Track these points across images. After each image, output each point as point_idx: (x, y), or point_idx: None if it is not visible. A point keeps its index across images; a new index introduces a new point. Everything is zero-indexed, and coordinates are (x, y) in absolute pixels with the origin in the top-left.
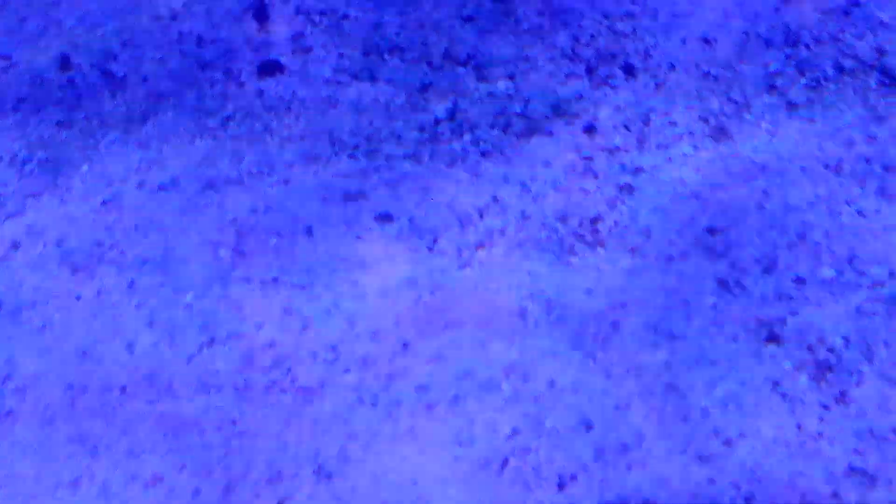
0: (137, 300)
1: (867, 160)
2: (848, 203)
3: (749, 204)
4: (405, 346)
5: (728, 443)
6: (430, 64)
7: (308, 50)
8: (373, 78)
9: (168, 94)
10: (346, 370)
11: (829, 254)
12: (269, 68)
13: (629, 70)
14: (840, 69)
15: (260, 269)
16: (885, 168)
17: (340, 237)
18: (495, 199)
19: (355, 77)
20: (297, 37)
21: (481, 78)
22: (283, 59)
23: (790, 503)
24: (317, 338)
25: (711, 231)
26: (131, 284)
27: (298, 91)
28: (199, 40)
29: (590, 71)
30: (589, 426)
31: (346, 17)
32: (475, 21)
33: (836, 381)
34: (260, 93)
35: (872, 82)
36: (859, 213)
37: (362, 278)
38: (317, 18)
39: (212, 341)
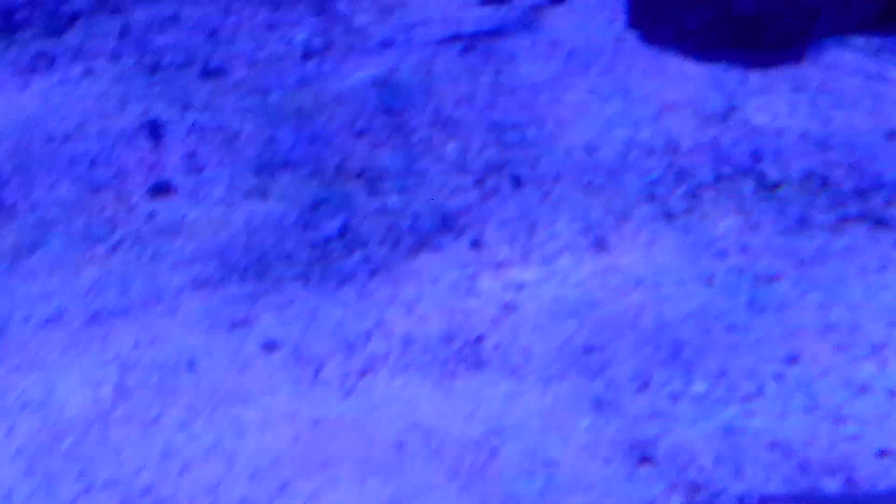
0: (16, 447)
1: (739, 271)
2: (719, 318)
3: (625, 320)
4: (283, 486)
5: None
6: (322, 179)
7: (201, 169)
8: (265, 195)
9: (58, 221)
10: None
11: (701, 369)
12: (161, 189)
13: (516, 181)
14: (717, 176)
15: (141, 409)
16: (756, 279)
17: (224, 369)
18: (381, 322)
19: (248, 195)
20: (190, 156)
21: (373, 192)
22: (175, 180)
23: None
24: (196, 480)
25: (588, 350)
26: (10, 431)
27: (190, 213)
28: (92, 163)
29: (478, 183)
30: None
31: (239, 133)
32: (368, 134)
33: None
34: (151, 216)
35: (748, 188)
36: (730, 327)
37: (244, 413)
38: (210, 136)
39: (89, 489)
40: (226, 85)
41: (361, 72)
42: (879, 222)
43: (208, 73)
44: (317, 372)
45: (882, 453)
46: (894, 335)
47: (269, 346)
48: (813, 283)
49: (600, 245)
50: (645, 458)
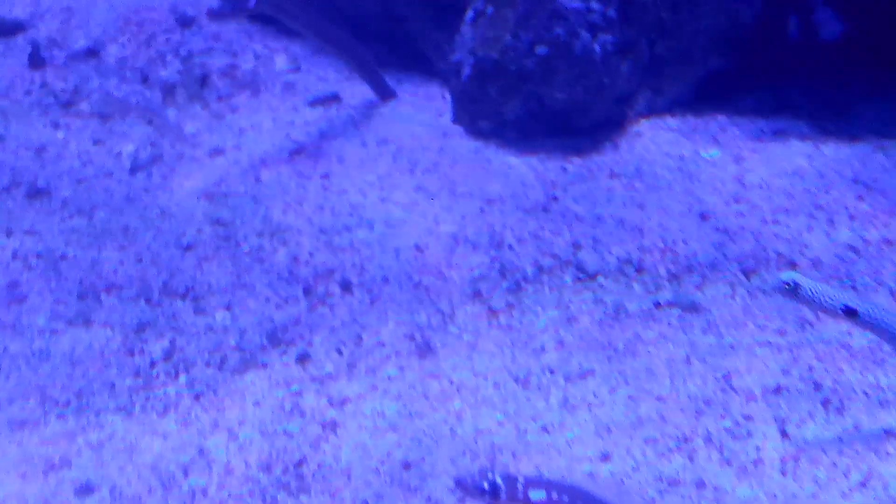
0: None
1: (552, 371)
2: (534, 419)
3: (444, 430)
4: None
5: None
6: (148, 300)
7: (22, 300)
8: (88, 322)
9: None
10: None
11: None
12: None
13: (346, 286)
14: (539, 268)
15: None
16: (567, 378)
17: None
18: (202, 452)
19: (71, 323)
20: (12, 286)
21: (199, 310)
22: None
23: None
24: None
25: (407, 466)
26: None
27: (10, 346)
28: None
29: (307, 291)
30: None
31: (63, 257)
32: (194, 249)
33: None
34: None
35: (568, 279)
36: (544, 428)
37: None
38: (33, 262)
39: None
40: (51, 206)
41: (190, 182)
42: (691, 307)
43: (34, 193)
44: None
45: None
46: (700, 426)
47: (86, 489)
48: (623, 377)
49: (425, 349)
50: None
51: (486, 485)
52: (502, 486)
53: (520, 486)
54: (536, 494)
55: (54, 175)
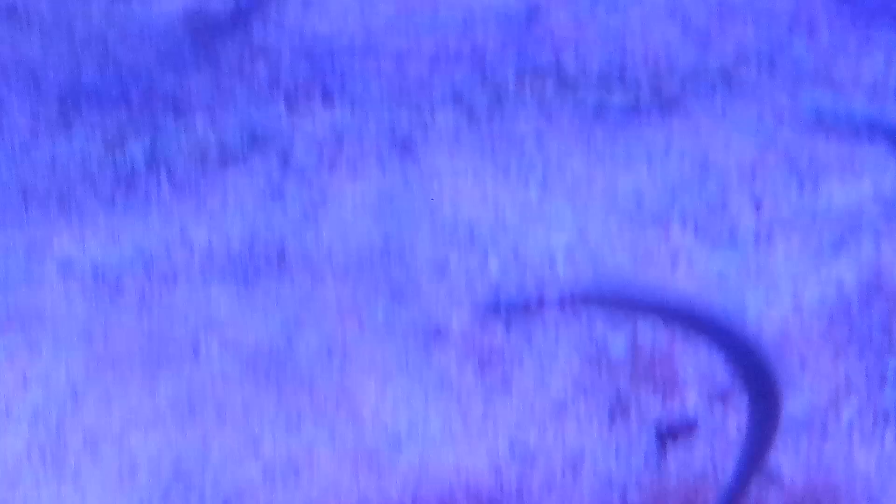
0: None
1: (531, 162)
2: (512, 204)
3: (423, 215)
4: (75, 395)
5: (396, 441)
6: (129, 109)
7: (1, 104)
8: (70, 130)
9: None
10: (20, 424)
11: (496, 251)
12: None
13: (327, 95)
14: (521, 76)
15: None
16: (545, 167)
17: (19, 291)
18: (183, 235)
19: (52, 131)
20: None
21: (180, 115)
22: None
23: (455, 492)
24: None
25: (386, 244)
26: None
27: None
28: None
29: (287, 99)
30: (258, 446)
31: (43, 68)
32: (176, 63)
33: (500, 368)
34: None
35: (550, 86)
36: (522, 212)
37: (37, 334)
38: (12, 72)
39: None
40: (30, 20)
41: (170, 4)
42: (671, 104)
43: (11, 9)
44: (115, 288)
45: None
46: (676, 204)
47: (67, 265)
48: (602, 164)
49: (406, 150)
50: (438, 336)
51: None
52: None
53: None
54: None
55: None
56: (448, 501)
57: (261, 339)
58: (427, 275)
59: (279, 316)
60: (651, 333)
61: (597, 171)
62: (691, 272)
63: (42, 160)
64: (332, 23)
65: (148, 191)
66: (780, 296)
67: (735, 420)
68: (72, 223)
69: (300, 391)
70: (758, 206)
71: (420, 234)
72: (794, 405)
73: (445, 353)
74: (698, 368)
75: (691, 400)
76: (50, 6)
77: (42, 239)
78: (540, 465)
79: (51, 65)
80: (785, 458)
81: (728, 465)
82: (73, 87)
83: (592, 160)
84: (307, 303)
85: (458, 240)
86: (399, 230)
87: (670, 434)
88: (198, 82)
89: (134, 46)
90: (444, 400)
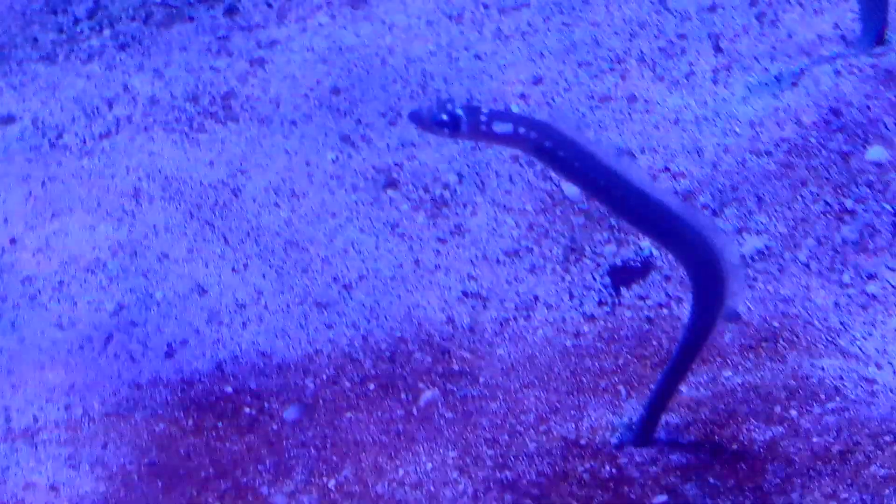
0: None
1: (485, 6)
2: (466, 48)
3: (375, 61)
4: (13, 241)
5: (347, 287)
6: None
7: None
8: None
9: None
10: None
11: (448, 98)
12: None
13: None
14: None
15: None
16: (501, 11)
17: None
18: (126, 88)
19: None
20: None
21: None
22: None
23: (406, 335)
24: None
25: (336, 91)
26: None
27: None
28: None
29: None
30: (202, 291)
31: None
32: None
33: (452, 215)
34: None
35: None
36: (476, 56)
37: None
38: None
39: None
40: None
41: None
42: None
43: None
44: (56, 138)
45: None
46: (633, 47)
47: (6, 119)
48: (558, 6)
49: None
50: (390, 183)
51: (444, 116)
52: (463, 118)
53: (483, 118)
54: (502, 127)
55: None
56: (399, 345)
57: (205, 185)
58: (378, 122)
59: (224, 163)
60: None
61: (553, 16)
62: (647, 114)
63: None
64: None
65: (91, 49)
66: (738, 135)
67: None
68: (11, 80)
69: (247, 239)
70: (716, 46)
71: (371, 82)
72: (751, 244)
73: (396, 200)
74: None
75: (645, 243)
76: None
77: None
78: (492, 308)
79: None
80: (742, 295)
81: (682, 306)
82: None
83: (550, 4)
84: (254, 150)
85: (411, 88)
86: (349, 78)
87: (625, 276)
88: None
89: None
90: (396, 246)
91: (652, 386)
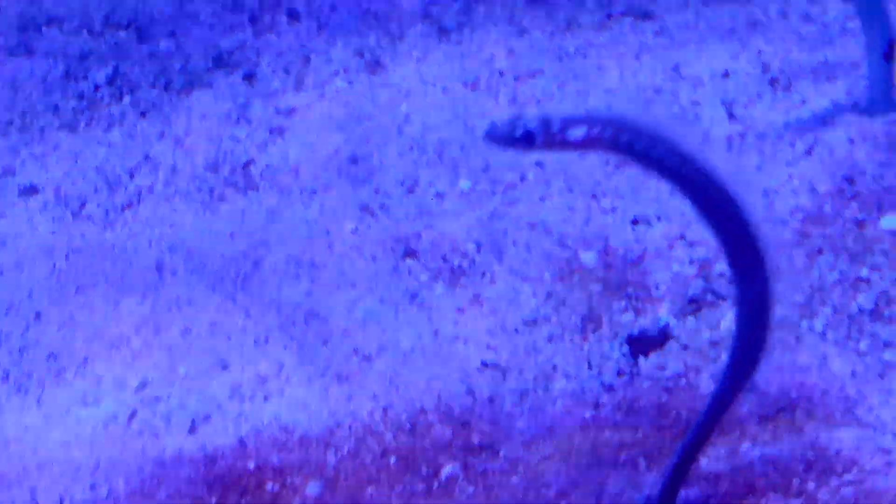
0: None
1: (501, 74)
2: (482, 116)
3: (392, 129)
4: (38, 316)
5: (367, 358)
6: (90, 31)
7: None
8: (30, 52)
9: None
10: None
11: (465, 167)
12: None
13: (293, 15)
14: None
15: None
16: (516, 79)
17: None
18: (148, 157)
19: (11, 53)
20: None
21: (143, 39)
22: None
23: (426, 406)
24: None
25: (354, 160)
26: None
27: None
28: None
29: (253, 20)
30: (225, 365)
31: None
32: None
33: (470, 284)
34: None
35: (520, 0)
36: (492, 125)
37: (1, 256)
38: None
39: None
40: None
41: None
42: (643, 16)
43: None
44: (79, 209)
45: (636, 221)
46: (648, 114)
47: (30, 189)
48: (573, 75)
49: (374, 65)
50: (409, 253)
51: (519, 132)
52: (537, 130)
53: (556, 128)
54: (576, 133)
55: None
56: (419, 417)
57: (227, 257)
58: (396, 191)
59: (245, 234)
60: (622, 245)
61: (568, 83)
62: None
63: (2, 85)
64: None
65: (111, 116)
66: (752, 202)
67: (707, 333)
68: (34, 149)
69: (268, 311)
70: (730, 113)
71: (389, 151)
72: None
73: (415, 270)
74: (670, 280)
75: (663, 312)
76: None
77: (4, 166)
78: (512, 379)
79: None
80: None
81: (700, 376)
82: (33, 11)
83: (564, 72)
84: (274, 220)
85: (427, 156)
86: (367, 147)
87: (643, 345)
88: (160, 4)
89: None
90: (415, 317)
91: (670, 458)
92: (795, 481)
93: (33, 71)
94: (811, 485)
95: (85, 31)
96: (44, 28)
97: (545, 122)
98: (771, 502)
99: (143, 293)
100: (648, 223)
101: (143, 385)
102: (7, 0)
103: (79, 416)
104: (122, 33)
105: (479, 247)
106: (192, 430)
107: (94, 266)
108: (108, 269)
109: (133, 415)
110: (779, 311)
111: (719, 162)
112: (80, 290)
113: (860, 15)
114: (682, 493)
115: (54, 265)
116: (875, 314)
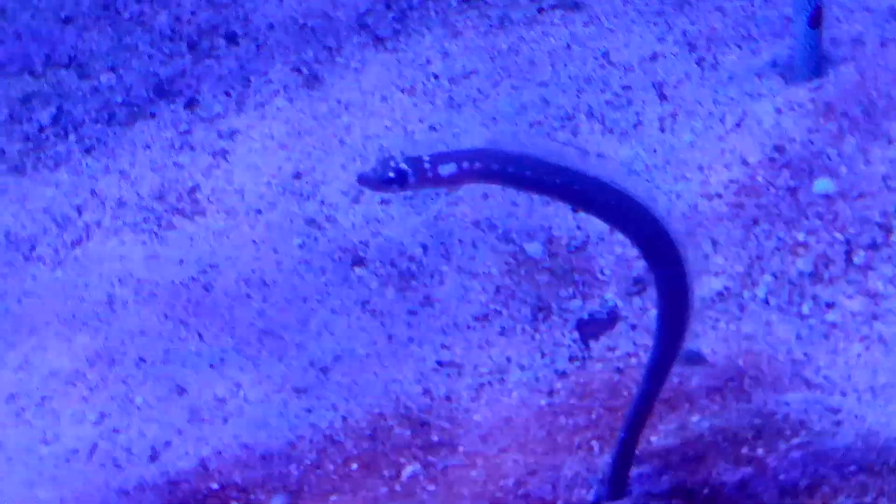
0: None
1: (436, 77)
2: (421, 120)
3: (333, 142)
4: None
5: (324, 369)
6: (32, 73)
7: None
8: None
9: None
10: None
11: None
12: None
13: (231, 38)
14: None
15: None
16: (451, 81)
17: None
18: (94, 192)
19: None
20: None
21: (84, 76)
22: None
23: (385, 411)
24: None
25: (298, 176)
26: None
27: None
28: None
29: (192, 47)
30: (182, 391)
31: None
32: (74, 21)
33: (420, 287)
34: None
35: (453, 1)
36: (431, 127)
37: None
38: None
39: None
40: None
41: None
42: (573, 6)
43: None
44: (29, 251)
45: (576, 210)
46: (581, 103)
47: None
48: (507, 72)
49: (313, 80)
50: (357, 261)
51: (391, 174)
52: (409, 170)
53: (427, 165)
54: (446, 169)
55: None
56: (379, 422)
57: (177, 284)
58: (341, 201)
59: (194, 259)
60: (565, 234)
61: (502, 80)
62: (601, 164)
63: None
64: None
65: (57, 154)
66: (688, 179)
67: (654, 310)
68: None
69: (221, 333)
70: (661, 94)
71: (331, 163)
72: (710, 285)
73: (365, 278)
74: (614, 264)
75: (610, 294)
76: None
77: None
78: (467, 375)
79: None
80: (706, 337)
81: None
82: None
83: (497, 70)
84: (222, 243)
85: (370, 165)
86: (310, 161)
87: (593, 329)
88: (99, 40)
89: (32, 10)
90: (368, 323)
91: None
92: (745, 449)
93: None
94: (760, 451)
95: (26, 74)
96: None
97: (416, 162)
98: (723, 471)
99: (95, 328)
100: None
101: (101, 418)
102: None
103: (40, 454)
104: (63, 72)
105: (425, 249)
106: (154, 457)
107: (45, 306)
108: (59, 307)
109: (93, 449)
110: (720, 283)
111: (653, 143)
112: (32, 331)
113: None
114: (635, 471)
115: (7, 309)
116: (815, 276)
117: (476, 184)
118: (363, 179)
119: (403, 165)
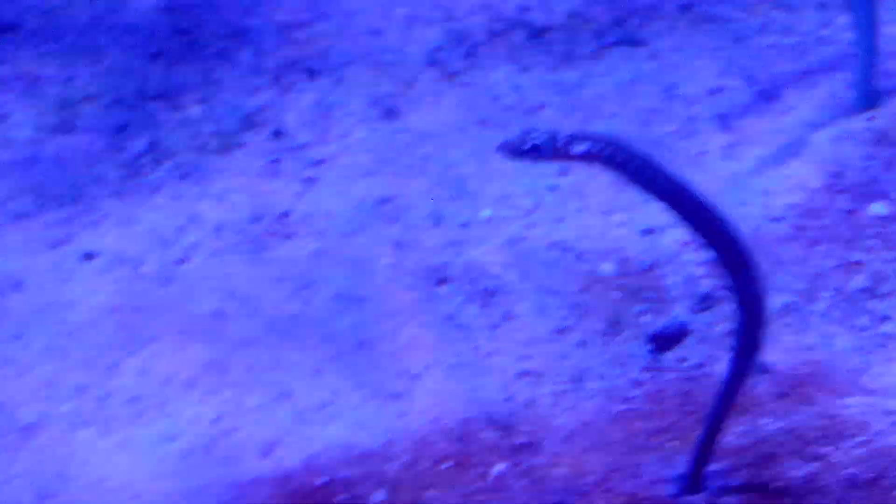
0: None
1: (509, 110)
2: (492, 150)
3: (414, 170)
4: (111, 367)
5: (415, 377)
6: (124, 105)
7: (5, 117)
8: (71, 129)
9: None
10: (63, 401)
11: (485, 197)
12: None
13: (311, 73)
14: (491, 32)
15: None
16: (523, 113)
17: (48, 283)
18: (193, 216)
19: (54, 132)
20: None
21: (175, 107)
22: None
23: (472, 416)
24: (35, 377)
25: (384, 202)
26: None
27: (1, 157)
28: None
29: (275, 80)
30: (288, 396)
31: (38, 78)
32: (163, 57)
33: (501, 303)
34: None
35: (519, 37)
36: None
37: (70, 316)
38: (11, 85)
39: None
40: (22, 37)
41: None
42: (635, 43)
43: (5, 29)
44: (135, 269)
45: (646, 232)
46: (647, 132)
47: (88, 255)
48: (575, 105)
49: (391, 113)
50: (442, 280)
51: (529, 145)
52: (545, 143)
53: (562, 142)
54: (578, 147)
55: (20, 10)
56: (467, 425)
57: (277, 299)
58: (425, 225)
59: (291, 277)
60: (636, 254)
61: (571, 113)
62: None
63: (49, 161)
64: (308, 5)
65: (154, 181)
66: (752, 204)
67: (721, 325)
68: (87, 219)
69: (320, 345)
70: (724, 125)
71: (413, 190)
72: (773, 301)
73: (450, 295)
74: (683, 282)
75: (679, 310)
76: (41, 21)
77: (62, 236)
78: (547, 384)
79: (47, 74)
80: (772, 348)
81: (718, 364)
82: (69, 91)
83: (566, 103)
84: (316, 262)
85: (450, 192)
86: (393, 188)
87: (664, 342)
88: (187, 73)
89: (122, 46)
90: (454, 336)
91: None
92: (812, 447)
93: (76, 146)
94: (826, 449)
95: (119, 106)
96: (80, 106)
97: (551, 137)
98: (792, 467)
99: (206, 339)
100: (657, 232)
101: (217, 419)
102: (45, 84)
103: (163, 450)
104: (155, 105)
105: (505, 268)
106: (265, 454)
107: (158, 319)
108: (171, 320)
109: (211, 446)
110: (784, 298)
111: (717, 170)
112: (149, 341)
113: (854, 12)
114: (713, 467)
115: (122, 321)
116: (870, 292)
117: (601, 167)
118: (504, 147)
119: (540, 139)
